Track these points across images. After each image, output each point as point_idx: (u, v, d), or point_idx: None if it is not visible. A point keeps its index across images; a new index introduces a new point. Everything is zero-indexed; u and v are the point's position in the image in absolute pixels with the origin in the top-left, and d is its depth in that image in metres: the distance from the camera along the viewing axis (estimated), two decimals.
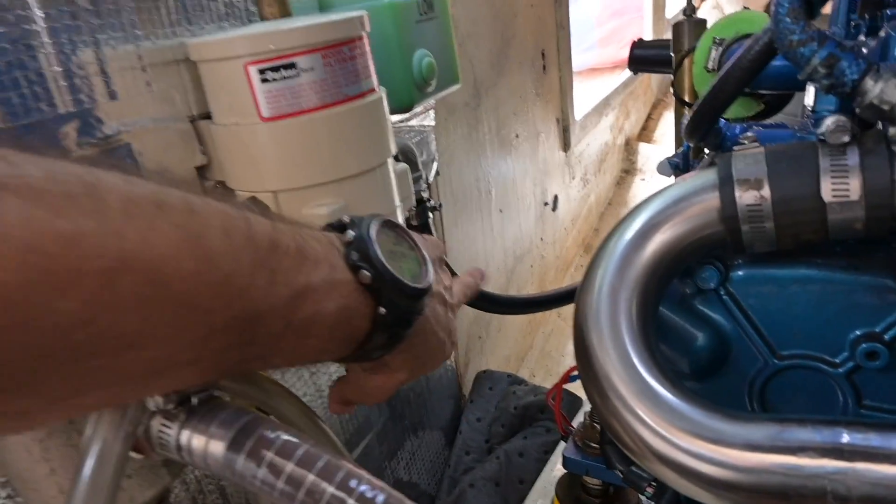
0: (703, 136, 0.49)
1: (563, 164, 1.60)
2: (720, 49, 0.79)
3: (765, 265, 0.42)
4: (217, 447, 0.32)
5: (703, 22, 0.89)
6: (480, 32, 1.09)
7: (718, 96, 0.46)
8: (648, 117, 2.50)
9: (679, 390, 0.36)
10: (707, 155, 0.60)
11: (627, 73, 2.25)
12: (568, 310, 1.65)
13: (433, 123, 0.92)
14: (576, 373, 0.65)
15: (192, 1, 0.52)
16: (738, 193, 0.37)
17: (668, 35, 1.00)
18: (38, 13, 0.42)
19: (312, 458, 0.32)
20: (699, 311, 0.44)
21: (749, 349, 0.43)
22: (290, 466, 0.31)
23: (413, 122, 0.86)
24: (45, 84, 0.42)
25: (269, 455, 0.32)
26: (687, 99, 0.87)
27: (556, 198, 1.55)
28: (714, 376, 0.45)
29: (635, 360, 0.37)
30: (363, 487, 0.31)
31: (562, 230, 1.64)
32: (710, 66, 0.79)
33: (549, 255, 1.55)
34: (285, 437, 0.32)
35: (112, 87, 0.47)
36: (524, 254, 1.39)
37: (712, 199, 0.39)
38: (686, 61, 0.87)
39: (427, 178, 0.78)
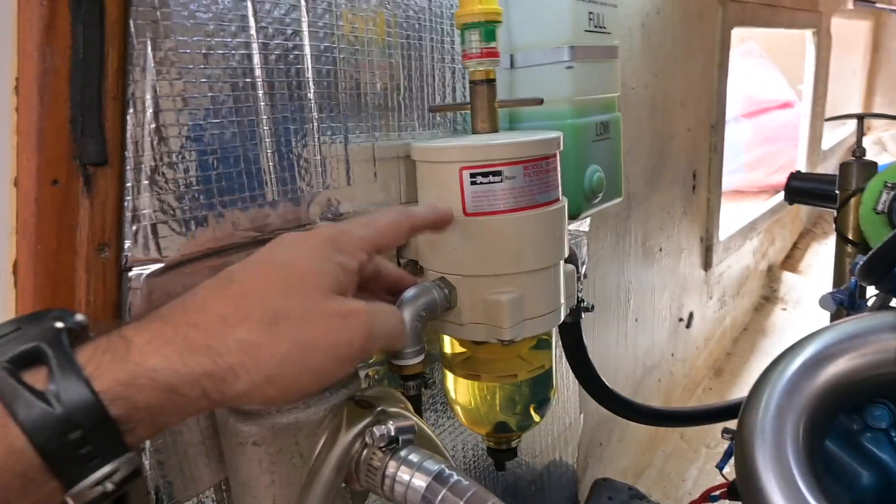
0: (879, 280, 0.50)
1: (703, 283, 1.59)
2: (891, 193, 0.80)
3: None
4: (416, 489, 0.38)
5: (874, 164, 0.90)
6: (639, 150, 1.15)
7: None
8: (794, 246, 2.41)
9: None
10: (876, 296, 0.61)
11: (774, 199, 2.21)
12: (691, 432, 1.59)
13: (587, 229, 0.98)
14: (716, 493, 0.64)
15: (417, 112, 0.64)
16: None
17: (822, 167, 1.01)
18: (315, 114, 0.53)
19: None
20: (867, 449, 0.44)
21: None
22: None
23: (570, 227, 0.92)
24: (309, 167, 0.53)
25: (461, 502, 0.37)
26: (851, 237, 0.87)
27: (691, 315, 1.53)
28: None
29: (800, 484, 0.39)
30: None
31: (694, 349, 1.60)
32: (879, 208, 0.79)
33: (678, 371, 1.52)
34: (474, 488, 0.37)
35: (351, 174, 0.58)
36: (654, 366, 1.38)
37: (890, 341, 0.41)
38: (852, 200, 0.88)
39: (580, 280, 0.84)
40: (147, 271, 0.43)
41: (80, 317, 0.32)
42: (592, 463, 1.17)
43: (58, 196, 0.40)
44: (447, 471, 0.38)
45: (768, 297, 2.13)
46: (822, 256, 2.35)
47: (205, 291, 0.35)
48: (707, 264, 1.57)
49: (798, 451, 0.41)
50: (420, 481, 0.38)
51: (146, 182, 0.43)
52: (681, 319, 1.49)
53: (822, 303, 0.65)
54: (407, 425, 0.40)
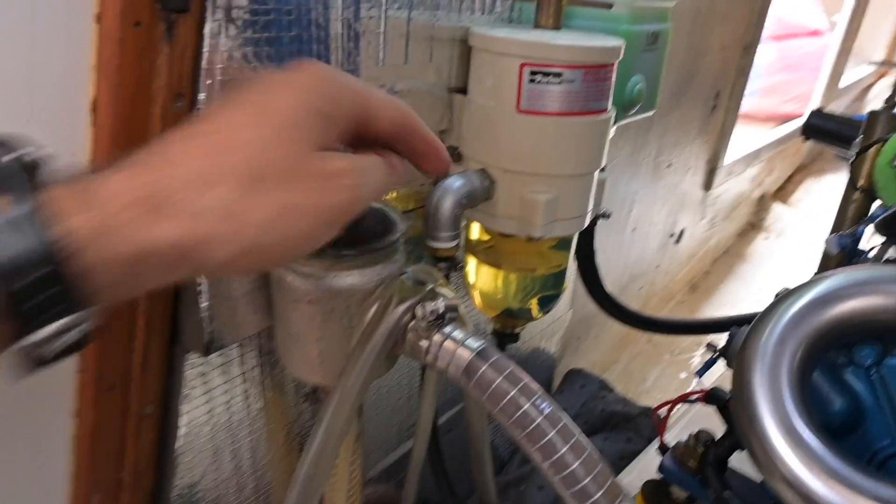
0: (894, 234, 0.54)
1: (699, 203, 1.63)
2: None
3: None
4: (459, 364, 0.42)
5: None
6: (671, 64, 1.13)
7: None
8: (789, 178, 2.44)
9: (823, 437, 0.43)
10: (880, 246, 0.65)
11: (783, 128, 2.21)
12: (658, 338, 1.68)
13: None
14: (693, 397, 0.71)
15: None
16: None
17: (835, 104, 1.01)
18: None
19: (530, 390, 0.41)
20: (846, 380, 0.50)
21: (881, 427, 0.49)
22: (514, 391, 0.41)
23: None
24: (371, 41, 0.53)
25: (499, 378, 0.41)
26: (862, 184, 0.90)
27: (682, 232, 1.59)
28: (838, 439, 0.51)
29: (789, 401, 0.44)
30: (565, 420, 0.40)
31: (677, 264, 1.67)
32: None
33: (658, 283, 1.60)
34: (512, 366, 0.42)
35: (409, 52, 0.57)
36: (639, 275, 1.45)
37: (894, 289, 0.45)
38: (871, 149, 0.90)
39: None
40: None
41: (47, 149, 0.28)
42: (568, 354, 1.25)
43: (140, 38, 0.40)
44: (489, 348, 0.42)
45: (754, 224, 2.20)
46: (813, 193, 2.40)
47: (180, 143, 0.30)
48: (708, 185, 1.60)
49: (791, 375, 0.46)
50: (465, 355, 0.42)
51: (220, 36, 0.43)
52: (671, 235, 1.54)
53: (828, 243, 0.69)
54: (454, 304, 0.44)
